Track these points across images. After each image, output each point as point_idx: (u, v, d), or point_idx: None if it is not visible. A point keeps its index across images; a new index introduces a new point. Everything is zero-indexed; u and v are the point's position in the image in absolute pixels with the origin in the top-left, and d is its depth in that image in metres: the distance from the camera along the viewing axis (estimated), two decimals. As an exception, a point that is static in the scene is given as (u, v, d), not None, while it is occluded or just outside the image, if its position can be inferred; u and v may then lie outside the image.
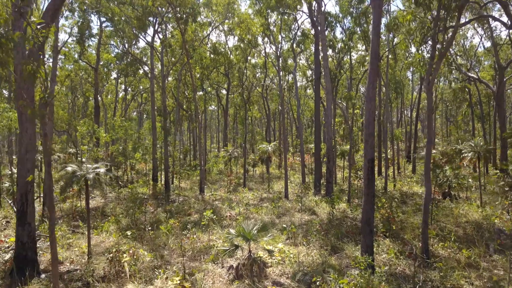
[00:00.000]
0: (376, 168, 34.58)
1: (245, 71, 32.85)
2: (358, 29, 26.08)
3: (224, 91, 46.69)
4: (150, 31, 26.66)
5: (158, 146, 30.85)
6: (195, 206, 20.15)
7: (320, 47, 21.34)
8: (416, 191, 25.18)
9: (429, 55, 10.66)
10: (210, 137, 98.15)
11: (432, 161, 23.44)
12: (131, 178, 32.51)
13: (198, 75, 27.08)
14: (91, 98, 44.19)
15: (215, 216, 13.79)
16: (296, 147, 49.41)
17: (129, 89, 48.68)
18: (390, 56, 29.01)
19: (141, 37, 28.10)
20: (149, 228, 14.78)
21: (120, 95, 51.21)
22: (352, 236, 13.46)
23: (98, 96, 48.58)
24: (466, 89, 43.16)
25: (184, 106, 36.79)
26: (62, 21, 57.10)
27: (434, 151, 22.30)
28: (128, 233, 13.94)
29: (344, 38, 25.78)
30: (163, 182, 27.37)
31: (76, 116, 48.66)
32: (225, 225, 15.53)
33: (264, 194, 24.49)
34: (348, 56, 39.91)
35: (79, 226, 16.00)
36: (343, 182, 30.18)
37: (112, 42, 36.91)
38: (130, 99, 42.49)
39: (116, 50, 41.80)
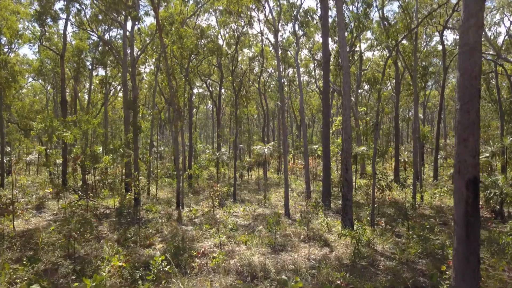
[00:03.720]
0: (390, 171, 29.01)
1: (235, 53, 27.61)
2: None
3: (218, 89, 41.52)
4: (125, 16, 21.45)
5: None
6: (162, 230, 14.84)
7: (335, 10, 16.07)
8: (450, 205, 19.94)
9: None
10: (206, 137, 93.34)
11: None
12: (101, 186, 27.14)
13: (177, 60, 21.86)
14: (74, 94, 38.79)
15: (168, 267, 8.45)
16: (297, 148, 44.21)
17: (115, 83, 43.40)
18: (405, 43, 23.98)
19: (108, 14, 22.85)
20: (73, 277, 9.52)
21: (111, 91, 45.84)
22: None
23: (80, 92, 43.56)
24: (492, 82, 38.12)
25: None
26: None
27: (487, 154, 17.01)
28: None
29: (360, 12, 20.52)
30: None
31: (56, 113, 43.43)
32: (194, 270, 10.18)
33: (258, 209, 19.22)
34: (358, 46, 34.90)
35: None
36: (356, 192, 24.88)
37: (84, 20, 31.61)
38: (106, 93, 37.06)
39: (93, 37, 36.58)
